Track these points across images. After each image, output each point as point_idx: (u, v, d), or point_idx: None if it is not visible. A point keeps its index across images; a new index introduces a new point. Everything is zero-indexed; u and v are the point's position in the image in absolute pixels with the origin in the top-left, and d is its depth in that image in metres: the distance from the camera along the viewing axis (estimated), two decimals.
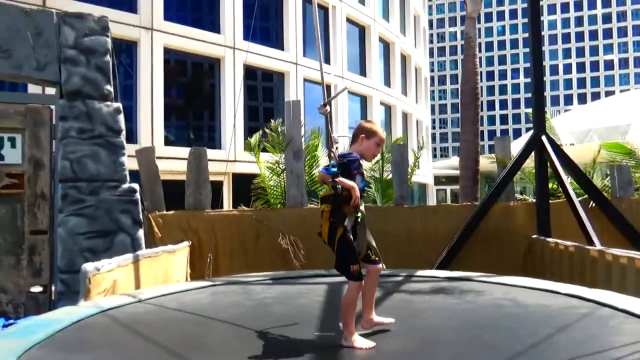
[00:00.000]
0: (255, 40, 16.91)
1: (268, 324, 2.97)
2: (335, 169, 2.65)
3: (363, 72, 22.37)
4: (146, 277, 4.31)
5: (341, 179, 2.62)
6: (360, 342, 2.61)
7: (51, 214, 4.83)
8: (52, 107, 5.01)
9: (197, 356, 2.42)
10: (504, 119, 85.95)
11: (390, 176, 7.48)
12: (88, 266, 3.56)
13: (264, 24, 18.55)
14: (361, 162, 2.82)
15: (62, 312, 3.13)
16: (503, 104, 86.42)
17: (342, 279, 4.44)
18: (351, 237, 2.66)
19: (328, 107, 2.74)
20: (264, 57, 16.61)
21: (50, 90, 5.54)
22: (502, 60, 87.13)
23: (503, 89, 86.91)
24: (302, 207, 6.44)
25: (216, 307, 3.44)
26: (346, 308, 2.66)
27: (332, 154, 2.75)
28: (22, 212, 4.75)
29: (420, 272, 4.70)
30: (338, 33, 20.49)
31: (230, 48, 15.91)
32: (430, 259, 6.28)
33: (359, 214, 2.71)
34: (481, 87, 10.95)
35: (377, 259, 2.93)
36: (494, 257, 6.49)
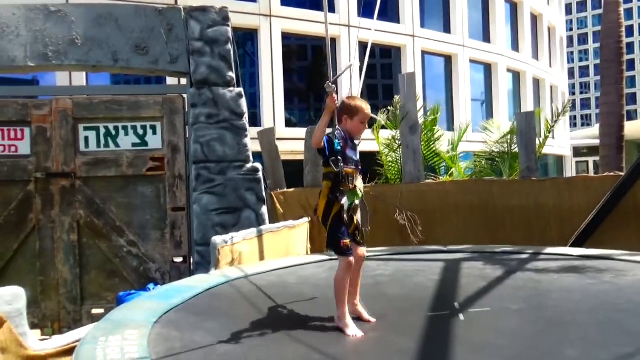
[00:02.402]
0: (371, 16, 16.71)
1: (381, 303, 2.97)
2: (339, 147, 2.61)
3: (487, 38, 20.89)
4: (269, 250, 4.60)
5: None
6: (349, 328, 2.52)
7: (187, 192, 5.37)
8: (185, 95, 5.51)
9: (309, 331, 2.54)
10: None
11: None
12: (217, 239, 3.90)
13: None
14: (349, 137, 2.72)
15: (195, 279, 3.49)
16: None
17: (460, 255, 4.31)
18: (345, 216, 2.62)
19: (334, 87, 2.62)
20: (379, 32, 16.37)
21: (183, 81, 6.09)
22: None
23: None
24: (419, 183, 6.30)
25: (332, 284, 3.54)
26: (337, 286, 2.61)
27: (337, 133, 2.67)
28: (164, 192, 5.34)
29: (549, 250, 4.33)
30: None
31: (345, 26, 15.95)
32: (564, 236, 5.73)
33: (359, 193, 2.67)
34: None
35: (361, 240, 2.81)
36: None
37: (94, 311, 5.04)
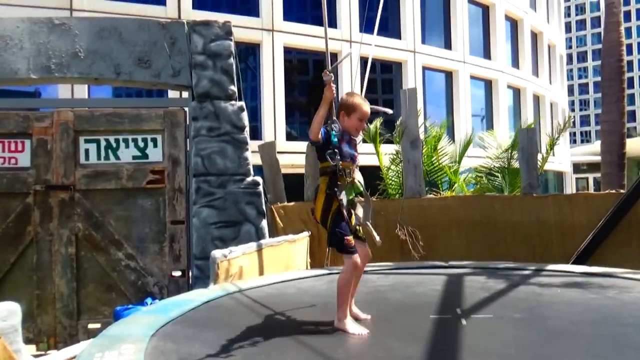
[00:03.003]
0: (371, 31, 16.87)
1: (382, 309, 2.95)
2: (336, 140, 2.53)
3: (487, 54, 21.06)
4: (268, 264, 4.56)
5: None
6: (352, 327, 2.47)
7: (187, 205, 5.34)
8: (186, 109, 5.52)
9: (310, 337, 2.50)
10: None
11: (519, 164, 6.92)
12: (216, 253, 3.86)
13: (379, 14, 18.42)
14: (344, 136, 2.65)
15: (194, 294, 3.45)
16: None
17: (462, 270, 4.27)
18: (345, 212, 2.52)
19: (332, 75, 2.56)
20: (381, 47, 16.50)
21: (184, 94, 6.10)
22: None
23: None
24: (420, 197, 6.27)
25: (332, 294, 3.51)
26: (340, 288, 2.53)
27: (334, 125, 2.60)
28: (163, 205, 5.31)
29: (552, 266, 4.30)
30: (459, 15, 19.53)
31: (347, 42, 16.09)
32: (565, 253, 5.69)
33: (359, 187, 2.58)
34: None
35: (364, 237, 2.69)
36: None
37: (90, 326, 4.98)
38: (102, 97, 12.05)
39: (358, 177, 2.66)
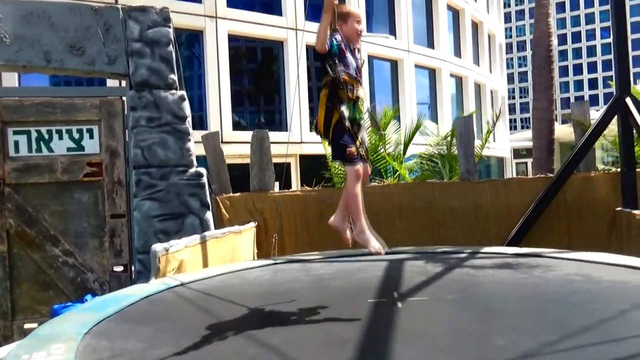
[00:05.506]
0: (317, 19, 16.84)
1: (323, 296, 3.03)
2: (335, 50, 2.54)
3: (431, 43, 21.56)
4: (213, 257, 4.52)
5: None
6: (373, 243, 2.51)
7: (127, 198, 5.19)
8: (124, 98, 5.33)
9: (249, 326, 2.53)
10: (578, 86, 79.41)
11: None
12: (157, 247, 3.79)
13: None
14: (345, 47, 2.67)
15: (133, 289, 3.38)
16: (577, 69, 79.70)
17: (403, 256, 4.41)
18: (348, 123, 2.53)
19: None
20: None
21: (123, 83, 5.88)
22: (575, 21, 79.68)
23: (577, 53, 79.93)
24: (364, 186, 6.39)
25: (276, 282, 3.56)
26: (350, 200, 2.56)
27: (336, 36, 2.61)
28: (102, 198, 5.14)
29: (486, 249, 4.52)
30: (403, 4, 19.84)
31: (293, 29, 15.98)
32: (501, 235, 6.00)
33: (361, 108, 2.61)
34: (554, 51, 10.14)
35: (365, 155, 2.75)
36: (572, 233, 6.07)
37: (27, 326, 4.76)
38: (35, 86, 11.37)
39: (362, 94, 2.64)
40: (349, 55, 2.65)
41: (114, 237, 5.12)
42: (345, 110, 2.54)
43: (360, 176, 2.59)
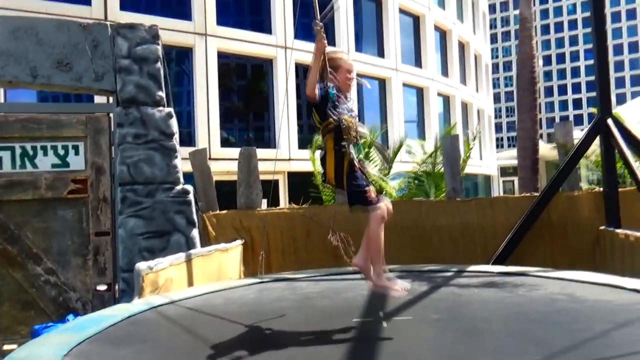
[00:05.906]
0: (307, 38, 17.04)
1: (309, 315, 3.01)
2: (334, 92, 2.56)
3: (418, 63, 21.89)
4: (199, 275, 4.47)
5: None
6: (397, 284, 2.49)
7: (112, 216, 5.13)
8: (111, 115, 5.30)
9: (231, 346, 2.49)
10: (563, 106, 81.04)
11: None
12: (141, 265, 3.74)
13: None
14: (339, 93, 2.69)
15: (115, 308, 3.32)
16: (562, 90, 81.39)
17: (389, 275, 4.40)
18: (358, 164, 2.54)
19: (321, 24, 2.57)
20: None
21: (111, 100, 5.87)
22: (559, 43, 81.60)
23: (561, 74, 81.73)
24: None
25: (261, 301, 3.52)
26: (371, 242, 2.55)
27: (329, 80, 2.63)
28: (86, 215, 5.07)
29: (472, 268, 4.53)
30: (391, 25, 20.16)
31: (282, 48, 16.13)
32: (487, 254, 6.03)
33: (361, 139, 2.63)
34: (538, 72, 10.40)
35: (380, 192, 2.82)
36: (557, 251, 6.12)
37: (6, 347, 4.64)
38: (21, 102, 11.28)
39: (362, 130, 2.65)
40: (342, 102, 2.69)
41: (97, 255, 5.04)
42: (352, 151, 2.56)
43: (385, 218, 2.57)
